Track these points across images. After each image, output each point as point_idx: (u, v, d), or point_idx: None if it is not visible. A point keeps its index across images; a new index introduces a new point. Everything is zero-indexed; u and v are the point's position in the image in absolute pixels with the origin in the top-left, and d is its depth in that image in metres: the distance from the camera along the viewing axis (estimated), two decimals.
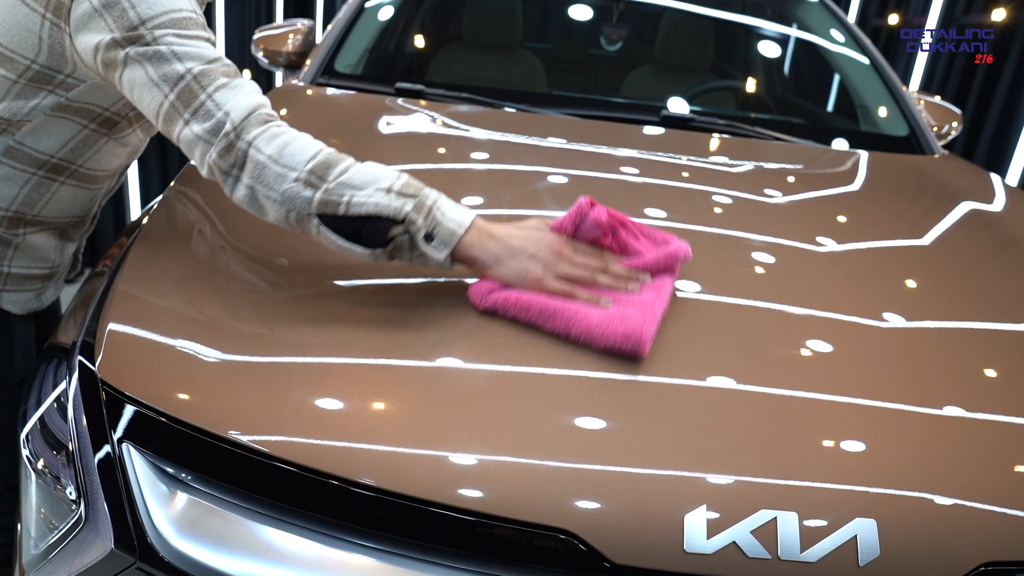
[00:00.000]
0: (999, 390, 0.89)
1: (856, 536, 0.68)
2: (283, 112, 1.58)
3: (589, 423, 0.77)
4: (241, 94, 0.93)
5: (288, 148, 0.91)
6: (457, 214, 0.92)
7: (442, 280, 0.99)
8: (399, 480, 0.71)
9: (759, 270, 1.09)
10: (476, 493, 0.70)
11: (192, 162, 0.97)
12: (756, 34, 2.38)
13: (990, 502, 0.73)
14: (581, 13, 2.44)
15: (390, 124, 1.58)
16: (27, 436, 0.93)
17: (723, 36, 2.40)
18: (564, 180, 1.35)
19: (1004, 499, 0.73)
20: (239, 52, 4.57)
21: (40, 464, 0.89)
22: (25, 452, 0.92)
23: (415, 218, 0.89)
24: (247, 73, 4.37)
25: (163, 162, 3.85)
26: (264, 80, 4.93)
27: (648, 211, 1.24)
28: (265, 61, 2.18)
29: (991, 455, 0.78)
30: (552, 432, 0.76)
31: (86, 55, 0.95)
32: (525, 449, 0.73)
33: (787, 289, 1.04)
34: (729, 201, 1.33)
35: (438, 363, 0.84)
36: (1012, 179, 3.67)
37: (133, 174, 3.71)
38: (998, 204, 1.52)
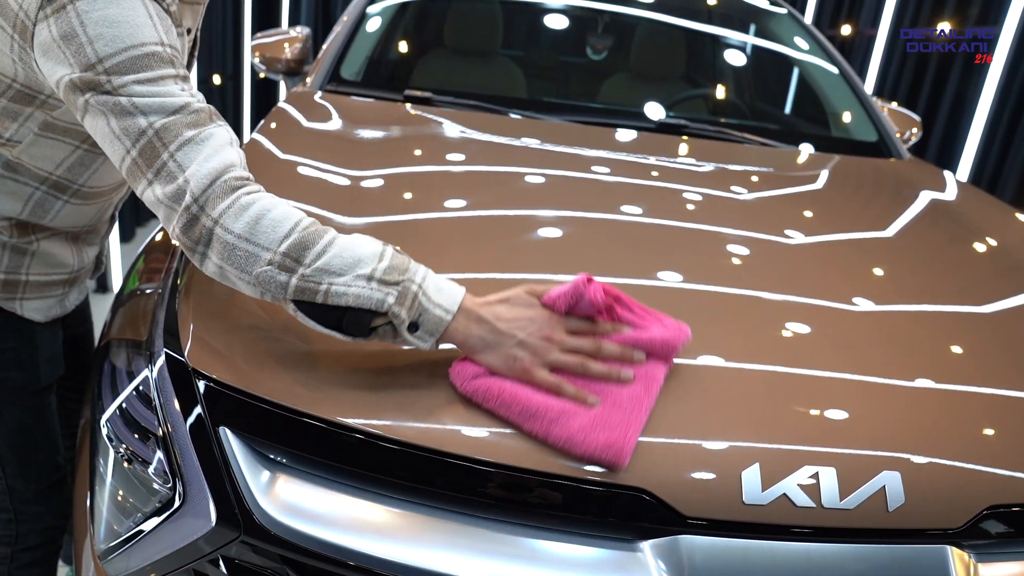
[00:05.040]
0: (999, 365, 1.03)
1: (884, 486, 0.80)
2: (301, 118, 1.65)
3: (658, 403, 0.87)
4: (205, 152, 0.85)
5: (260, 224, 0.82)
6: (444, 298, 0.84)
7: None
8: (496, 452, 0.80)
9: (769, 265, 1.21)
10: (570, 462, 0.80)
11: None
12: (730, 45, 2.54)
13: (992, 458, 0.87)
14: (578, 26, 2.58)
15: (406, 130, 1.67)
16: (108, 421, 0.97)
17: (709, 48, 2.56)
18: (571, 179, 1.47)
19: (1003, 456, 0.87)
20: (207, 56, 4.56)
21: (123, 448, 0.94)
22: (104, 432, 0.96)
23: (399, 311, 0.81)
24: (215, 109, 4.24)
25: None
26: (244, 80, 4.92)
27: (649, 211, 1.35)
28: (263, 67, 2.23)
29: (992, 419, 0.92)
30: None
31: (51, 82, 0.90)
32: None
33: (803, 282, 1.16)
34: (727, 200, 1.45)
35: None
36: (960, 177, 3.91)
37: None
38: (965, 203, 1.70)
